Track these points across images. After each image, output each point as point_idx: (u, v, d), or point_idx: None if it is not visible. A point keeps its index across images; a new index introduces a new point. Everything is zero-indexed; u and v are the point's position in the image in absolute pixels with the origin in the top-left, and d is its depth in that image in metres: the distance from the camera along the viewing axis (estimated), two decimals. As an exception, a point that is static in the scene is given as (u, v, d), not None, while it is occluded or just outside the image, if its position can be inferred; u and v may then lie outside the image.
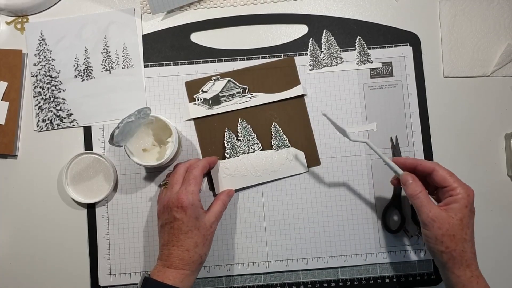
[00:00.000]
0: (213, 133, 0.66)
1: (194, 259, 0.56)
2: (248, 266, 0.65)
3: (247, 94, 0.66)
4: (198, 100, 0.65)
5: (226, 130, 0.64)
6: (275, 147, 0.65)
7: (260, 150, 0.65)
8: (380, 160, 0.65)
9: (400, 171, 0.55)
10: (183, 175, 0.60)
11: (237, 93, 0.65)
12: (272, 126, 0.65)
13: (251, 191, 0.65)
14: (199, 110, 0.65)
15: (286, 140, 0.65)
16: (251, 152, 0.64)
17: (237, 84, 0.66)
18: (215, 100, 0.65)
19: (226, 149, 0.65)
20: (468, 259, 0.52)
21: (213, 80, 0.66)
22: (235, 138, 0.65)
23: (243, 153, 0.64)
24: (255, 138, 0.64)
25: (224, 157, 0.65)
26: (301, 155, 0.65)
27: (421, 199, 0.53)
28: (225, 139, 0.65)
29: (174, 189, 0.58)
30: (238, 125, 0.65)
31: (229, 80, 0.65)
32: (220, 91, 0.65)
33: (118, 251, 0.65)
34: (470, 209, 0.52)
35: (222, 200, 0.61)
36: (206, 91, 0.65)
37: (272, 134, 0.65)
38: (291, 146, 0.65)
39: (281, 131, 0.64)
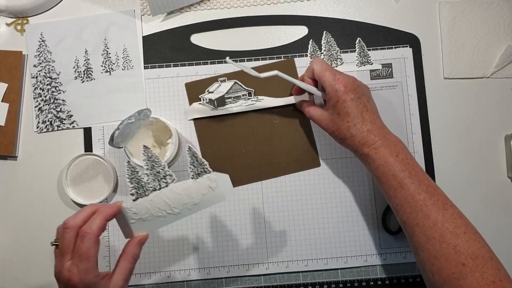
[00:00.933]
0: (214, 135, 0.66)
1: None
2: (248, 267, 0.65)
3: (252, 97, 0.66)
4: (203, 100, 0.65)
5: (126, 163, 0.51)
6: (193, 174, 0.51)
7: (175, 182, 0.51)
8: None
9: (307, 88, 0.60)
10: (73, 239, 0.47)
11: (243, 95, 0.65)
12: (187, 149, 0.51)
13: (251, 192, 0.65)
14: (203, 110, 0.65)
15: (206, 164, 0.51)
16: (163, 187, 0.51)
17: (243, 86, 0.66)
18: (220, 101, 0.65)
19: (130, 189, 0.51)
20: (361, 140, 0.55)
21: (219, 81, 0.66)
22: (137, 172, 0.51)
23: (153, 190, 0.51)
24: (166, 167, 0.51)
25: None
26: (226, 178, 0.53)
27: (312, 115, 0.60)
28: (127, 175, 0.50)
29: (64, 261, 0.46)
30: (142, 155, 0.51)
31: (235, 82, 0.65)
32: (226, 93, 0.65)
33: (118, 252, 0.65)
34: (343, 101, 0.55)
35: (130, 254, 0.49)
36: (212, 92, 0.65)
37: (188, 159, 0.51)
38: (212, 172, 0.52)
39: (198, 154, 0.51)
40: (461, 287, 0.48)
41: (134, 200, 0.51)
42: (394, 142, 0.55)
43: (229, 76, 0.66)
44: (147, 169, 0.51)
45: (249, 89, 0.66)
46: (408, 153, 0.55)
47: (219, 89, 0.65)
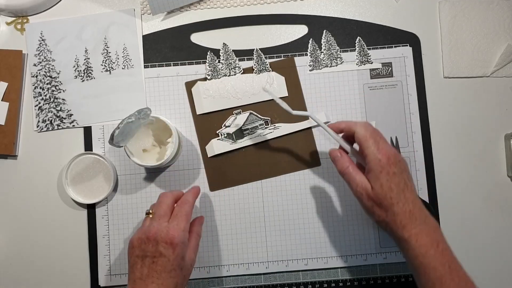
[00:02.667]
0: (214, 133, 0.66)
1: None
2: (248, 266, 0.65)
3: (270, 125, 0.65)
4: (221, 135, 0.65)
5: (208, 52, 0.66)
6: (256, 70, 0.65)
7: (241, 74, 0.65)
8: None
9: (340, 141, 0.56)
10: (171, 207, 0.57)
11: (260, 125, 0.65)
12: (255, 50, 0.65)
13: (251, 191, 0.65)
14: (223, 146, 0.65)
15: (267, 64, 0.65)
16: (232, 75, 0.65)
17: (259, 116, 0.65)
18: (239, 134, 0.65)
19: (207, 71, 0.66)
20: (402, 220, 0.50)
21: (235, 114, 0.66)
22: (217, 60, 0.66)
23: (224, 75, 0.65)
24: (237, 61, 0.66)
25: (205, 79, 0.66)
26: (281, 79, 0.65)
27: (348, 175, 0.54)
28: (208, 61, 0.66)
29: (162, 221, 0.55)
30: (221, 49, 0.66)
31: (250, 113, 0.65)
32: (243, 125, 0.65)
33: (118, 251, 0.65)
34: (386, 173, 0.51)
35: (196, 232, 0.59)
36: (228, 126, 0.65)
37: (254, 58, 0.66)
38: (272, 71, 0.65)
39: (262, 55, 0.65)
40: None
41: (209, 80, 0.65)
42: (434, 228, 0.51)
43: (244, 107, 0.66)
44: (223, 59, 0.65)
45: (265, 118, 0.66)
46: (445, 241, 0.51)
47: (236, 122, 0.65)
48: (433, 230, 0.51)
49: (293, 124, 0.65)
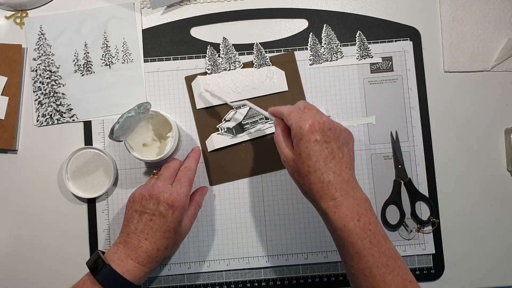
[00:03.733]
0: (214, 129, 0.66)
1: (159, 259, 0.55)
2: (248, 260, 0.65)
3: (270, 120, 0.65)
4: (221, 129, 0.65)
5: (208, 46, 0.66)
6: (256, 65, 0.65)
7: (241, 68, 0.65)
8: (381, 155, 0.66)
9: (272, 118, 0.57)
10: (177, 171, 0.59)
11: (260, 119, 0.65)
12: (255, 44, 0.66)
13: (251, 186, 0.66)
14: (223, 140, 0.65)
15: (267, 58, 0.65)
16: (232, 69, 0.65)
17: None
18: (239, 128, 0.65)
19: (207, 65, 0.66)
20: (319, 190, 0.48)
21: (235, 109, 0.65)
22: (217, 55, 0.66)
23: (224, 70, 0.65)
24: (237, 55, 0.65)
25: (205, 73, 0.66)
26: (282, 74, 0.66)
27: (276, 142, 0.54)
28: (207, 55, 0.66)
29: (167, 183, 0.56)
30: (221, 43, 0.66)
31: (250, 108, 0.65)
32: (243, 119, 0.65)
33: (118, 245, 0.65)
34: (306, 140, 0.49)
35: (197, 201, 0.60)
36: (228, 120, 0.65)
37: (254, 53, 0.66)
38: (272, 65, 0.66)
39: (262, 50, 0.66)
40: None
41: (209, 74, 0.65)
42: (358, 201, 0.49)
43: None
44: (223, 53, 0.65)
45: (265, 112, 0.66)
46: (371, 215, 0.49)
47: (236, 117, 0.65)
48: (357, 203, 0.48)
49: None
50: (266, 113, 0.58)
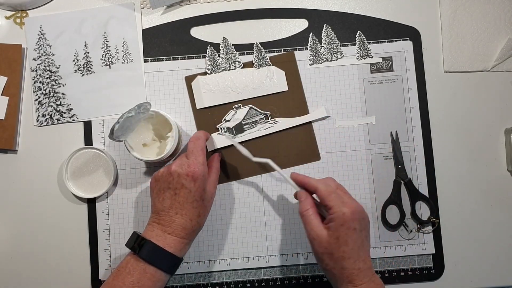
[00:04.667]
0: (213, 128, 0.66)
1: (195, 228, 0.56)
2: (248, 260, 0.65)
3: (270, 120, 0.65)
4: (221, 129, 0.65)
5: (208, 47, 0.66)
6: (256, 65, 0.65)
7: (241, 68, 0.65)
8: (381, 155, 0.66)
9: (297, 188, 0.58)
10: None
11: (260, 119, 0.65)
12: (255, 44, 0.65)
13: (251, 185, 0.66)
14: (224, 140, 0.65)
15: (267, 58, 0.65)
16: (232, 69, 0.65)
17: (259, 110, 0.65)
18: (239, 128, 0.65)
19: (207, 65, 0.66)
20: (349, 276, 0.52)
21: (234, 109, 0.65)
22: (217, 55, 0.66)
23: (224, 70, 0.65)
24: (237, 55, 0.65)
25: (205, 73, 0.66)
26: (282, 74, 0.66)
27: (306, 217, 0.55)
28: (207, 55, 0.66)
29: (182, 157, 0.58)
30: (221, 43, 0.66)
31: (250, 107, 0.65)
32: (243, 119, 0.65)
33: (118, 245, 0.65)
34: (347, 227, 0.51)
35: (215, 167, 0.61)
36: (228, 120, 0.65)
37: (254, 53, 0.66)
38: (272, 65, 0.66)
39: (262, 50, 0.65)
40: None
41: (209, 74, 0.65)
42: (379, 285, 0.53)
43: (244, 102, 0.66)
44: (223, 53, 0.65)
45: (265, 112, 0.66)
46: None
47: (236, 117, 0.65)
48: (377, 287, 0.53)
49: (293, 118, 0.65)
50: (289, 179, 0.58)
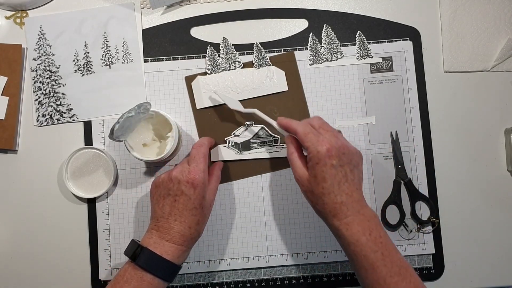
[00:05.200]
0: (213, 128, 0.66)
1: (193, 236, 0.56)
2: (248, 260, 0.65)
3: (277, 144, 0.65)
4: (228, 143, 0.65)
5: (208, 47, 0.66)
6: (256, 65, 0.66)
7: (241, 68, 0.65)
8: (381, 155, 0.66)
9: (285, 134, 0.58)
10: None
11: (268, 141, 0.65)
12: (255, 44, 0.66)
13: (250, 186, 0.66)
14: (229, 154, 0.65)
15: (267, 58, 0.65)
16: (232, 69, 0.65)
17: (270, 132, 0.65)
18: (246, 146, 0.65)
19: (207, 65, 0.66)
20: (332, 210, 0.51)
21: (246, 125, 0.66)
22: (217, 55, 0.66)
23: (224, 70, 0.65)
24: (237, 55, 0.66)
25: (205, 73, 0.66)
26: (282, 74, 0.66)
27: (290, 160, 0.56)
28: (207, 55, 0.66)
29: (183, 163, 0.58)
30: (221, 43, 0.66)
31: (262, 127, 0.65)
32: (252, 137, 0.65)
33: (118, 245, 0.65)
34: (323, 165, 0.51)
35: (216, 175, 0.61)
36: (238, 135, 0.65)
37: (254, 53, 0.66)
38: (272, 65, 0.66)
39: (262, 50, 0.66)
40: None
41: (209, 74, 0.65)
42: (369, 217, 0.52)
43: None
44: (223, 53, 0.65)
45: (275, 136, 0.66)
46: (381, 229, 0.52)
47: (245, 133, 0.65)
48: (368, 220, 0.52)
49: None
50: (274, 123, 0.59)
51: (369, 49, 0.67)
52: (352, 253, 0.51)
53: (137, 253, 0.53)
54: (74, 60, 0.67)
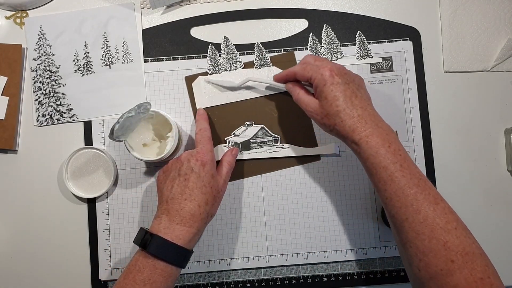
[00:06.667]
0: (214, 128, 0.66)
1: (203, 216, 0.55)
2: (248, 260, 0.65)
3: (278, 144, 0.65)
4: (228, 143, 0.65)
5: (209, 46, 0.66)
6: (256, 65, 0.66)
7: (242, 68, 0.66)
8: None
9: (284, 86, 0.61)
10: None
11: (268, 141, 0.65)
12: (256, 44, 0.66)
13: (251, 185, 0.66)
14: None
15: (268, 59, 0.66)
16: (233, 70, 0.66)
17: (270, 132, 0.65)
18: (246, 146, 0.65)
19: (208, 65, 0.66)
20: (351, 125, 0.52)
21: (246, 125, 0.66)
22: (218, 55, 0.66)
23: (225, 70, 0.66)
24: (238, 55, 0.66)
25: (206, 74, 0.67)
26: None
27: (299, 100, 0.57)
28: (209, 55, 0.66)
29: (193, 149, 0.59)
30: (222, 43, 0.66)
31: (262, 127, 0.65)
32: (252, 137, 0.65)
33: (118, 245, 0.65)
34: (330, 84, 0.53)
35: (227, 161, 0.61)
36: (238, 135, 0.65)
37: (255, 53, 0.66)
38: (272, 66, 0.66)
39: (264, 50, 0.66)
40: (448, 283, 0.46)
41: (210, 74, 0.66)
42: (387, 131, 0.52)
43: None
44: (224, 53, 0.66)
45: (275, 135, 0.66)
46: (399, 143, 0.52)
47: (246, 133, 0.65)
48: (386, 133, 0.52)
49: (301, 148, 0.65)
50: (273, 83, 0.61)
51: (369, 49, 0.67)
52: (371, 166, 0.51)
53: (146, 239, 0.52)
54: (74, 60, 0.67)
